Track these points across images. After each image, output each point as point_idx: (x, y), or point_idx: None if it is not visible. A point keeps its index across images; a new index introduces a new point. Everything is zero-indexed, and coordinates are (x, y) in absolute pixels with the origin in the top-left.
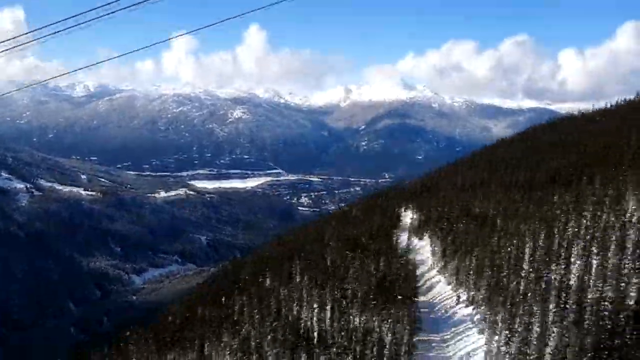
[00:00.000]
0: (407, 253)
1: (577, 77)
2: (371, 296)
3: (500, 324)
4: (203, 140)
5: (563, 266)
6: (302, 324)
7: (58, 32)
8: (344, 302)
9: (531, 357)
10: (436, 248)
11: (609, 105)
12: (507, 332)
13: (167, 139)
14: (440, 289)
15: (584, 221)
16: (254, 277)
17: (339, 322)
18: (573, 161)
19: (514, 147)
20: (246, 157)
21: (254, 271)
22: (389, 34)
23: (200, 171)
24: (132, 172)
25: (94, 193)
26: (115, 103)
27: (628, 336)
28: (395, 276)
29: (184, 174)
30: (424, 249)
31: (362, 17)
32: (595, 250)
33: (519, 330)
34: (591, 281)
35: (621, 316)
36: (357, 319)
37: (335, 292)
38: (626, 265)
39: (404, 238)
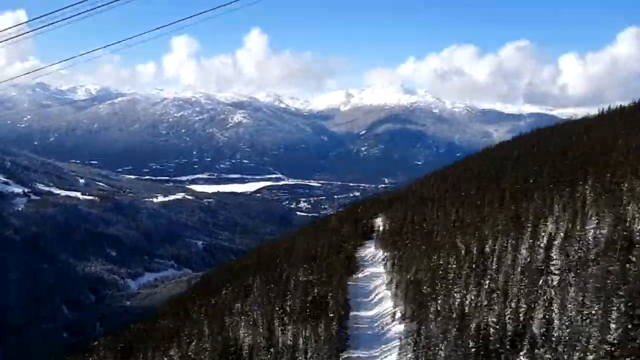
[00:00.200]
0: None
1: (578, 82)
2: (307, 312)
3: (423, 342)
4: (203, 145)
5: (466, 288)
6: (239, 341)
7: (57, 21)
8: (282, 319)
9: None
10: (387, 262)
11: (601, 111)
12: (416, 350)
13: (167, 143)
14: (385, 304)
15: (504, 242)
16: (216, 290)
17: (270, 339)
18: (535, 175)
19: (490, 157)
20: (246, 161)
21: (219, 284)
22: (390, 37)
23: (200, 175)
24: (131, 176)
25: (91, 197)
26: (116, 107)
27: None
28: (334, 292)
29: (184, 178)
30: (382, 262)
31: (363, 21)
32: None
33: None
34: (482, 304)
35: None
36: (288, 336)
37: (277, 309)
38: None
39: (371, 250)
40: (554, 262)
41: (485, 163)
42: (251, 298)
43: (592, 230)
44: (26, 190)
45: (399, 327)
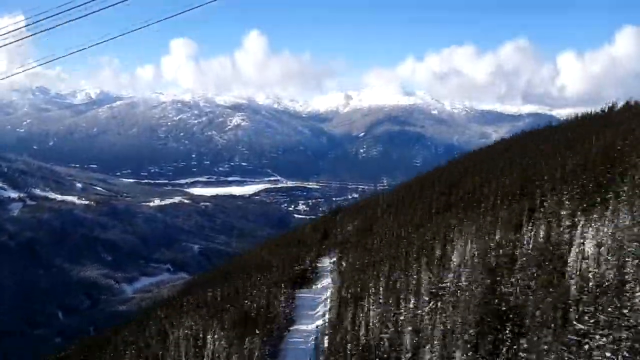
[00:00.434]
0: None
1: (576, 81)
2: (245, 326)
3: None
4: (202, 148)
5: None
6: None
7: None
8: (216, 333)
9: None
10: (334, 273)
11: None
12: None
13: (166, 147)
14: (328, 317)
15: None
16: (172, 304)
17: (198, 355)
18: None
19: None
20: (245, 164)
21: (178, 297)
22: (389, 37)
23: (199, 178)
24: (130, 180)
25: (87, 202)
26: (115, 110)
27: None
28: (276, 305)
29: (183, 181)
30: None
31: (361, 20)
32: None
33: None
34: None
35: None
36: (220, 351)
37: (214, 324)
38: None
39: (334, 260)
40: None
41: (456, 170)
42: (199, 312)
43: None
44: (22, 195)
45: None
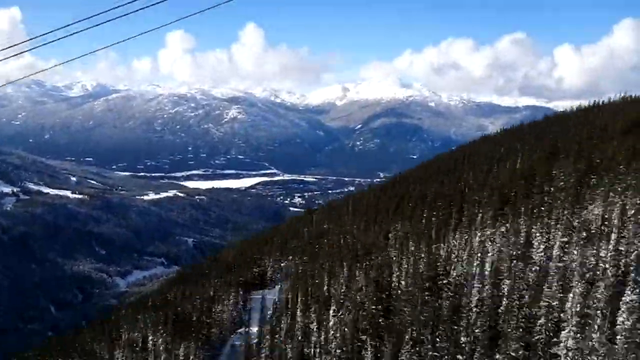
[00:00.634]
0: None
1: (574, 74)
2: (192, 330)
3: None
4: (198, 141)
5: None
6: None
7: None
8: (161, 336)
9: None
10: (289, 276)
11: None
12: None
13: (162, 140)
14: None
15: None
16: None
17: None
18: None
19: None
20: (241, 157)
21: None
22: (386, 30)
23: (195, 171)
24: (125, 173)
25: (80, 196)
26: (111, 103)
27: None
28: (224, 309)
29: (179, 174)
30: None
31: (360, 14)
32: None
33: None
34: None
35: None
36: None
37: (159, 327)
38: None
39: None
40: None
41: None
42: (148, 315)
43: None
44: (15, 189)
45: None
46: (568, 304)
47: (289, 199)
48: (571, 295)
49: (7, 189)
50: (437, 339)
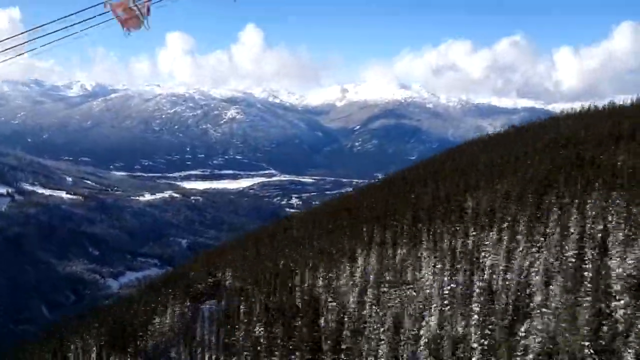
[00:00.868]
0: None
1: (572, 76)
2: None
3: None
4: (196, 141)
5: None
6: None
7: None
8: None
9: None
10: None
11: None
12: None
13: (160, 140)
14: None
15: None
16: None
17: None
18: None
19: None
20: (239, 157)
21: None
22: (386, 32)
23: (193, 172)
24: (122, 174)
25: (75, 196)
26: (109, 103)
27: None
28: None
29: (176, 174)
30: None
31: (359, 15)
32: None
33: None
34: None
35: None
36: None
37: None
38: None
39: None
40: None
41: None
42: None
43: None
44: (10, 190)
45: None
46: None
47: (286, 200)
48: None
49: (2, 190)
50: None
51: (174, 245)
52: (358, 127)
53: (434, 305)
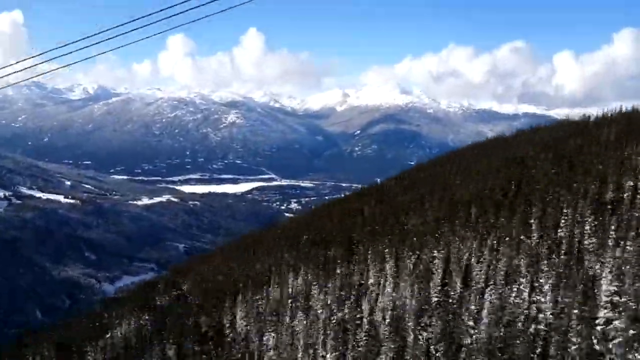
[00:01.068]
0: None
1: (573, 82)
2: None
3: None
4: (196, 145)
5: None
6: None
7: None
8: None
9: None
10: None
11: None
12: None
13: (160, 143)
14: None
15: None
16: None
17: None
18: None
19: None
20: (239, 161)
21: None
22: (388, 37)
23: (193, 176)
24: (122, 177)
25: (72, 201)
26: (111, 107)
27: None
28: None
29: (176, 178)
30: None
31: (359, 20)
32: None
33: None
34: None
35: None
36: None
37: None
38: None
39: None
40: None
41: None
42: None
43: None
44: (7, 194)
45: None
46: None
47: (285, 205)
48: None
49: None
50: None
51: (171, 250)
52: (358, 131)
53: (321, 335)
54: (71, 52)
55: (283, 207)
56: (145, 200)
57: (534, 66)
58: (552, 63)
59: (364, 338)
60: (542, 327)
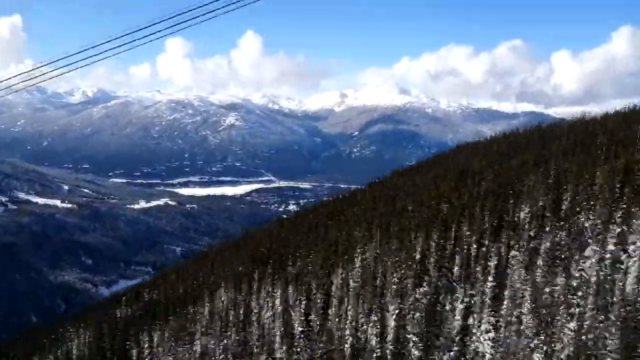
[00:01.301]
0: None
1: (572, 80)
2: None
3: None
4: (195, 148)
5: None
6: None
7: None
8: None
9: None
10: None
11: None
12: None
13: (159, 146)
14: None
15: None
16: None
17: None
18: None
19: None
20: (238, 164)
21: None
22: (386, 37)
23: (192, 178)
24: (121, 180)
25: (69, 205)
26: (110, 110)
27: None
28: None
29: (175, 181)
30: None
31: (358, 20)
32: None
33: None
34: None
35: None
36: None
37: None
38: None
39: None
40: None
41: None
42: None
43: None
44: (4, 199)
45: None
46: None
47: (283, 206)
48: None
49: None
50: None
51: (168, 253)
52: (356, 132)
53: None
54: (77, 61)
55: (281, 209)
56: (143, 204)
57: (533, 65)
58: (551, 61)
59: None
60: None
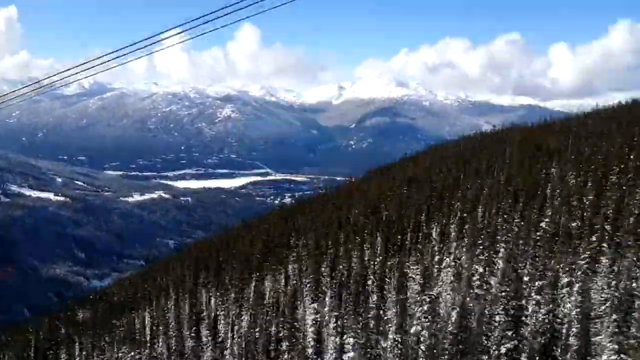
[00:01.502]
0: None
1: (569, 73)
2: None
3: None
4: (191, 140)
5: None
6: None
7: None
8: None
9: None
10: None
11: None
12: None
13: (155, 139)
14: None
15: None
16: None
17: None
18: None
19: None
20: (234, 156)
21: None
22: (384, 30)
23: (188, 171)
24: (117, 173)
25: (62, 198)
26: (105, 102)
27: None
28: None
29: (171, 174)
30: None
31: (355, 13)
32: None
33: None
34: None
35: None
36: None
37: None
38: None
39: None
40: None
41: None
42: None
43: None
44: None
45: None
46: None
47: (279, 199)
48: None
49: None
50: None
51: (161, 247)
52: (354, 125)
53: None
54: (87, 69)
55: (277, 202)
56: (137, 197)
57: (530, 58)
58: (548, 55)
59: None
60: None
